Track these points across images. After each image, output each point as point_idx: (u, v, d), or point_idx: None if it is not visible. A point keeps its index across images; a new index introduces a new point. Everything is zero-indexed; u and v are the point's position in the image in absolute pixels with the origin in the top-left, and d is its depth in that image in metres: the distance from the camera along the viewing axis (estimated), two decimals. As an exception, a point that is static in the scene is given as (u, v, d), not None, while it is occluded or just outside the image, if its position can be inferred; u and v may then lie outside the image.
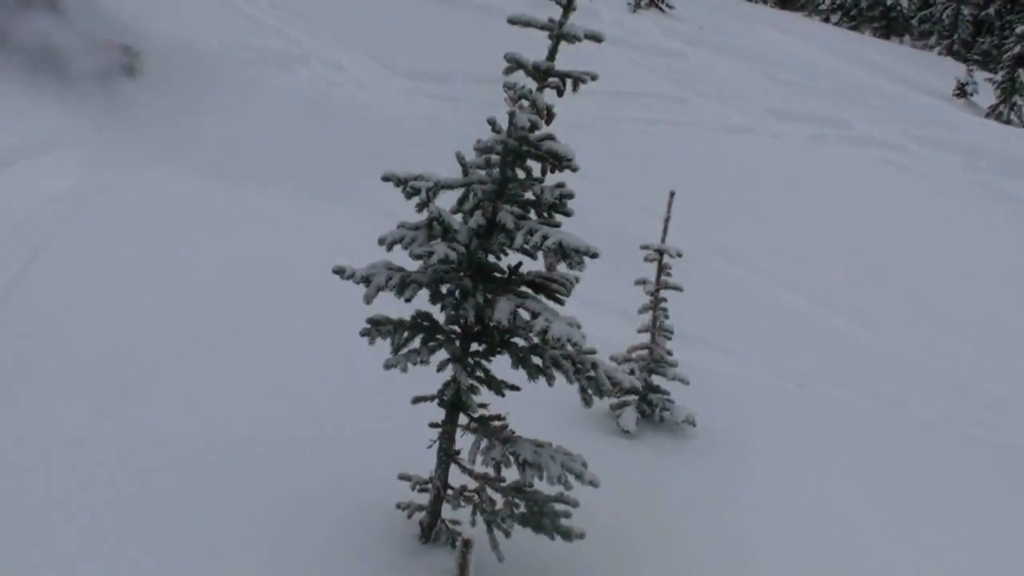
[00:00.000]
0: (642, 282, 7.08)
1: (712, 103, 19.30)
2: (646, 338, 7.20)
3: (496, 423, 4.89)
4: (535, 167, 4.60)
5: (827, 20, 45.71)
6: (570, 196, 4.57)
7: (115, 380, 6.25)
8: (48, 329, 6.70)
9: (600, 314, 8.63)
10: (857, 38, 37.82)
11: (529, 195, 4.62)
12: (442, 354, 4.87)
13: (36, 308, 6.92)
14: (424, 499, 5.21)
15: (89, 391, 6.08)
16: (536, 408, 5.72)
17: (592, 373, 4.60)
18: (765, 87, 21.88)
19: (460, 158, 4.66)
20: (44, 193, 8.71)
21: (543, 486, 4.76)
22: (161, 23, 13.51)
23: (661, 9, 29.78)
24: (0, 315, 6.71)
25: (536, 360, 4.72)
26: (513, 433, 4.83)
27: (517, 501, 4.81)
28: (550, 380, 4.69)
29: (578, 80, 4.43)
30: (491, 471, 4.85)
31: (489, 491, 4.91)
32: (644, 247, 6.97)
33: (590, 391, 4.62)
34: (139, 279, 7.64)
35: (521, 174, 4.60)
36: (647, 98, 18.48)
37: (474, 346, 4.89)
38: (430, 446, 5.03)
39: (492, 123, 4.58)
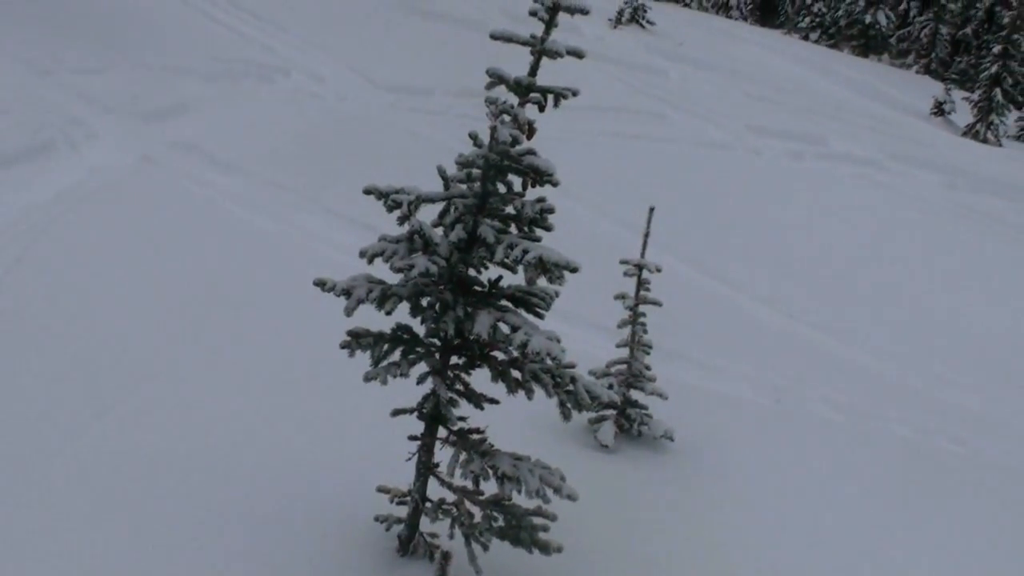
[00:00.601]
0: (621, 297, 7.10)
1: (691, 119, 19.43)
2: (625, 352, 7.22)
3: (475, 436, 4.90)
4: (516, 181, 4.62)
5: (806, 38, 46.05)
6: (551, 211, 4.59)
7: (105, 380, 6.29)
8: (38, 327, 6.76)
9: (579, 328, 8.67)
10: (836, 56, 38.11)
11: (510, 209, 4.64)
12: (422, 367, 4.88)
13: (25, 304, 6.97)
14: (403, 512, 5.20)
15: (80, 390, 6.12)
16: (515, 422, 5.75)
17: (571, 387, 4.62)
18: (744, 103, 22.04)
19: (441, 172, 4.68)
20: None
21: (521, 500, 4.77)
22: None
23: (642, 25, 29.96)
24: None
25: (515, 374, 4.73)
26: (492, 446, 4.83)
27: (495, 514, 4.82)
28: (529, 394, 4.70)
29: (559, 95, 4.46)
30: (470, 484, 4.86)
31: (468, 504, 4.91)
32: (623, 262, 7.00)
33: (569, 405, 4.63)
34: (122, 285, 7.65)
35: (502, 188, 4.63)
36: (627, 113, 18.59)
37: (454, 359, 4.90)
38: (409, 459, 5.03)
39: (474, 137, 4.60)
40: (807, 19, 48.14)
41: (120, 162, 10.29)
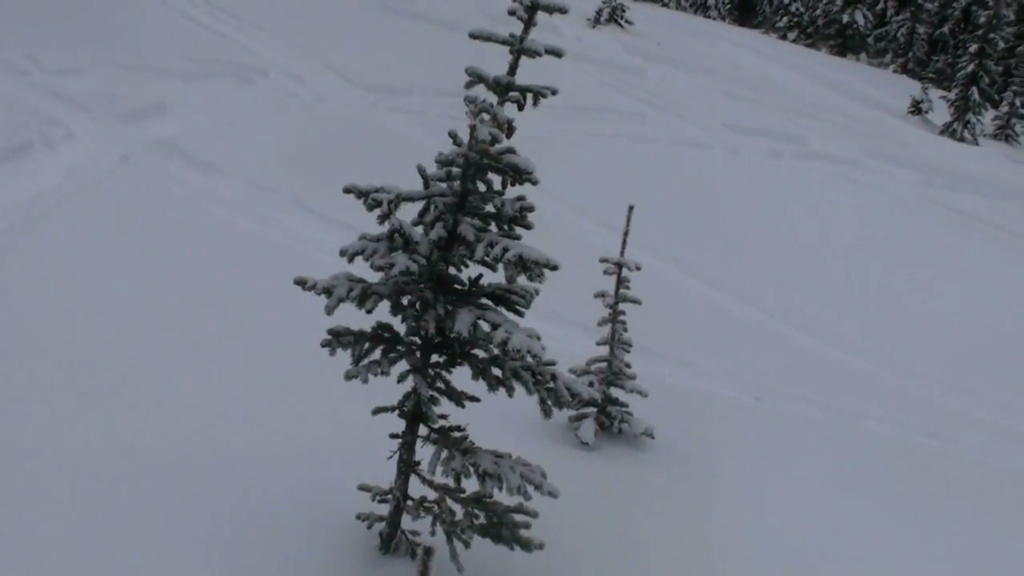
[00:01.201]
0: (601, 295, 7.13)
1: (670, 118, 19.48)
2: (605, 350, 7.25)
3: (456, 434, 4.91)
4: (496, 180, 4.63)
5: (784, 37, 46.24)
6: (530, 209, 4.61)
7: (88, 379, 6.30)
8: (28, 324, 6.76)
9: (560, 326, 8.68)
10: (814, 55, 38.27)
11: (490, 208, 4.66)
12: (403, 365, 4.89)
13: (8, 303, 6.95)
14: (384, 510, 5.21)
15: (64, 388, 6.13)
16: (496, 419, 5.76)
17: (552, 385, 4.63)
18: (722, 103, 22.11)
19: (421, 171, 4.69)
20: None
21: (503, 497, 4.78)
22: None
23: (621, 25, 30.03)
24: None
25: (496, 371, 4.75)
26: (473, 444, 4.85)
27: (477, 512, 4.83)
28: (510, 391, 4.71)
29: (538, 94, 4.48)
30: (451, 482, 4.87)
31: (449, 502, 4.92)
32: (603, 260, 7.02)
33: (549, 402, 4.65)
34: (105, 285, 7.64)
35: (482, 187, 4.64)
36: (607, 113, 18.62)
37: (435, 357, 4.91)
38: (390, 457, 5.04)
39: (453, 136, 4.62)
40: (785, 19, 48.32)
41: (98, 162, 10.25)
